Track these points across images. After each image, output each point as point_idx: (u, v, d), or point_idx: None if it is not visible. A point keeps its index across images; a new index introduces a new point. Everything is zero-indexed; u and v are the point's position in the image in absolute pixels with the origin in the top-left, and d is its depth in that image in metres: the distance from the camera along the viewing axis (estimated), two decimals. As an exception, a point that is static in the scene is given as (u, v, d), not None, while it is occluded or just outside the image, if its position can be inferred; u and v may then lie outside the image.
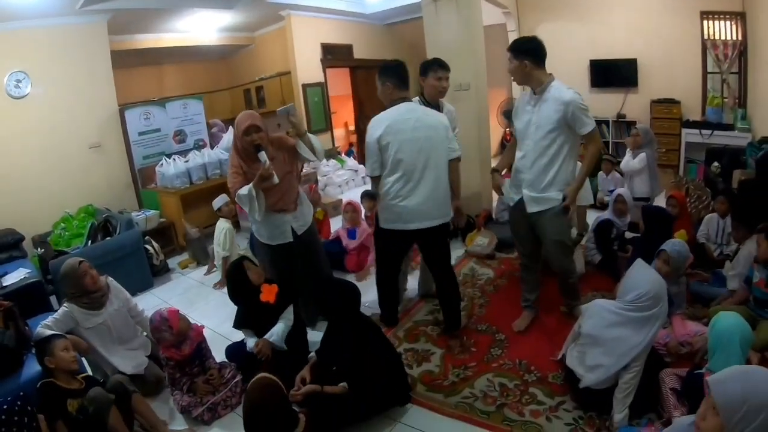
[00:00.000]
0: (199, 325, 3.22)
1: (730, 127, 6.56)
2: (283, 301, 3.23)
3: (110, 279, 3.29)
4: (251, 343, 3.12)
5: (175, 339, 2.98)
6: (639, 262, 2.72)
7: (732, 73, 6.71)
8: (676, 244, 3.28)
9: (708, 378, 1.66)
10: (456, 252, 4.97)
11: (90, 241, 4.73)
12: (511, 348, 3.36)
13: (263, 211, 3.10)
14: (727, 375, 1.64)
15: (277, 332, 3.13)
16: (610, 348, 2.61)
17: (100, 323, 3.10)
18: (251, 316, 3.19)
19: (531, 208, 3.19)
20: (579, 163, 3.32)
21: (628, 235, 4.66)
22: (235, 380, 3.07)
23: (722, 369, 2.24)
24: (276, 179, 3.00)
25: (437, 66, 3.53)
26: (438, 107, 3.57)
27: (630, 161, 5.19)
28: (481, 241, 4.92)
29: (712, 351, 2.34)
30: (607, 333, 2.63)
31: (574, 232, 4.32)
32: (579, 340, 2.85)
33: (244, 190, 3.01)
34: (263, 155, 3.00)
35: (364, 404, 2.71)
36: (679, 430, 1.85)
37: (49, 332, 2.78)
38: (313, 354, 3.04)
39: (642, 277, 2.62)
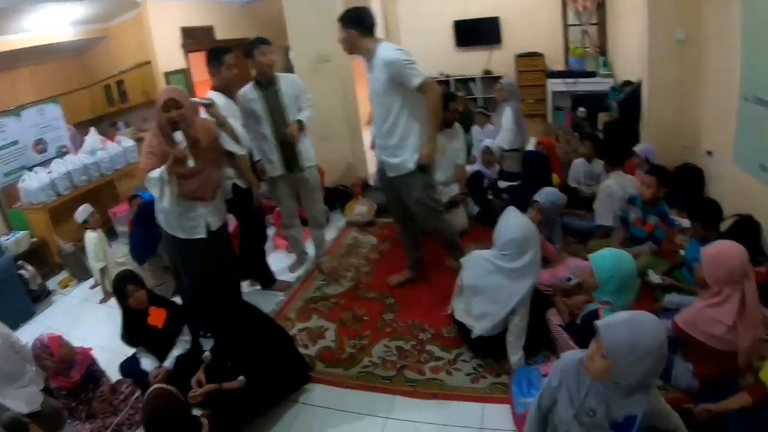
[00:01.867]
0: (87, 347, 3.05)
1: (592, 75, 7.09)
2: (176, 323, 3.09)
3: None
4: (146, 364, 2.99)
5: (59, 366, 2.79)
6: (509, 210, 2.85)
7: (592, 24, 7.20)
8: (549, 194, 3.46)
9: (599, 323, 1.74)
10: (337, 223, 5.06)
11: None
12: (402, 310, 3.46)
13: (174, 199, 2.85)
14: (617, 321, 1.72)
15: (173, 356, 3.02)
16: (492, 296, 2.75)
17: None
18: (141, 337, 3.03)
19: (390, 173, 3.30)
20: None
21: (503, 184, 4.88)
22: (135, 396, 2.94)
23: (627, 305, 2.47)
24: (191, 163, 2.83)
25: (258, 43, 3.53)
26: (273, 83, 3.61)
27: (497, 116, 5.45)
28: (360, 209, 4.99)
29: (611, 292, 2.48)
30: (486, 281, 2.76)
31: (454, 189, 4.47)
32: (463, 293, 2.97)
33: (155, 173, 2.74)
34: (179, 135, 2.77)
35: (265, 393, 2.71)
36: (567, 364, 1.93)
37: None
38: (207, 353, 2.98)
39: (511, 223, 2.75)
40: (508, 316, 2.73)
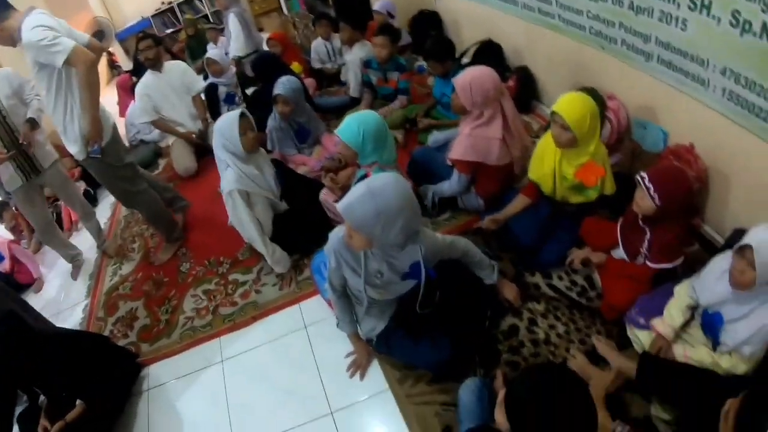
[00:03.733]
0: None
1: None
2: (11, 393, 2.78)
3: None
4: None
5: None
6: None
7: None
8: (285, 83, 3.40)
9: (338, 205, 1.77)
10: (107, 200, 4.74)
11: None
12: (195, 255, 3.46)
13: None
14: (354, 198, 1.72)
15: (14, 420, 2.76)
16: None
17: None
18: None
19: None
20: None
21: (251, 90, 4.78)
22: None
23: (393, 158, 2.59)
24: None
25: None
26: None
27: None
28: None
29: (371, 153, 2.53)
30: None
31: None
32: None
33: None
34: None
35: (107, 403, 2.66)
36: (336, 242, 2.03)
37: None
38: (42, 398, 2.80)
39: (219, 122, 2.74)
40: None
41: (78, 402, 2.58)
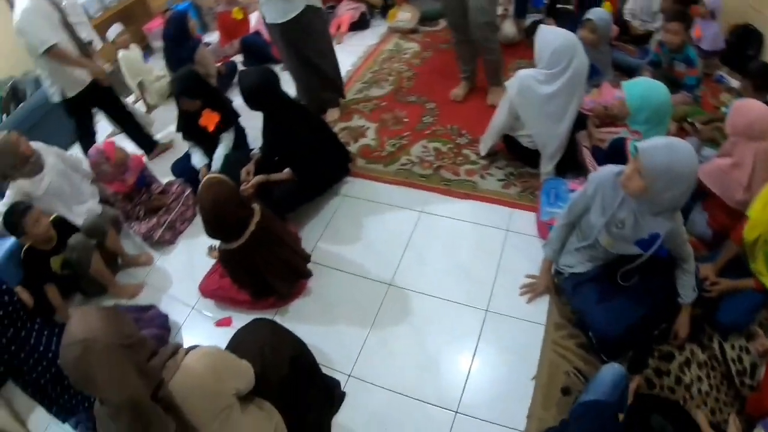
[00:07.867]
0: (139, 154, 3.18)
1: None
2: (227, 126, 3.16)
3: (32, 142, 2.96)
4: (197, 160, 3.15)
5: (116, 170, 2.99)
6: (542, 28, 2.66)
7: None
8: (601, 12, 3.25)
9: (639, 144, 1.75)
10: (379, 29, 4.89)
11: (5, 115, 4.31)
12: (441, 115, 3.46)
13: None
14: (656, 144, 1.74)
15: (218, 157, 3.10)
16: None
17: (50, 183, 2.88)
18: (193, 134, 3.15)
19: None
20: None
21: None
22: (186, 194, 3.14)
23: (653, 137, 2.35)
24: None
25: None
26: None
27: None
28: (404, 15, 4.72)
29: (642, 122, 2.42)
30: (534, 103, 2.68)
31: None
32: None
33: None
34: None
35: (310, 184, 2.82)
36: (605, 176, 2.00)
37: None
38: (256, 150, 3.06)
39: (549, 35, 2.59)
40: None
41: (286, 170, 2.77)
